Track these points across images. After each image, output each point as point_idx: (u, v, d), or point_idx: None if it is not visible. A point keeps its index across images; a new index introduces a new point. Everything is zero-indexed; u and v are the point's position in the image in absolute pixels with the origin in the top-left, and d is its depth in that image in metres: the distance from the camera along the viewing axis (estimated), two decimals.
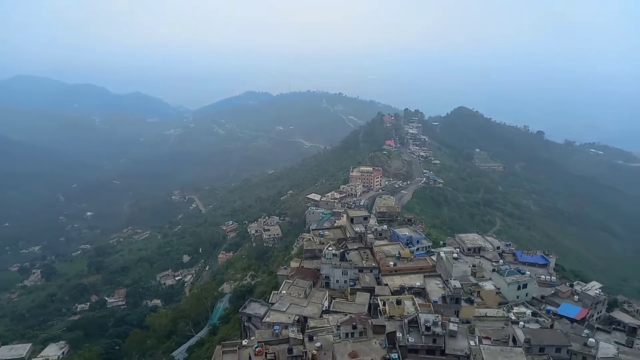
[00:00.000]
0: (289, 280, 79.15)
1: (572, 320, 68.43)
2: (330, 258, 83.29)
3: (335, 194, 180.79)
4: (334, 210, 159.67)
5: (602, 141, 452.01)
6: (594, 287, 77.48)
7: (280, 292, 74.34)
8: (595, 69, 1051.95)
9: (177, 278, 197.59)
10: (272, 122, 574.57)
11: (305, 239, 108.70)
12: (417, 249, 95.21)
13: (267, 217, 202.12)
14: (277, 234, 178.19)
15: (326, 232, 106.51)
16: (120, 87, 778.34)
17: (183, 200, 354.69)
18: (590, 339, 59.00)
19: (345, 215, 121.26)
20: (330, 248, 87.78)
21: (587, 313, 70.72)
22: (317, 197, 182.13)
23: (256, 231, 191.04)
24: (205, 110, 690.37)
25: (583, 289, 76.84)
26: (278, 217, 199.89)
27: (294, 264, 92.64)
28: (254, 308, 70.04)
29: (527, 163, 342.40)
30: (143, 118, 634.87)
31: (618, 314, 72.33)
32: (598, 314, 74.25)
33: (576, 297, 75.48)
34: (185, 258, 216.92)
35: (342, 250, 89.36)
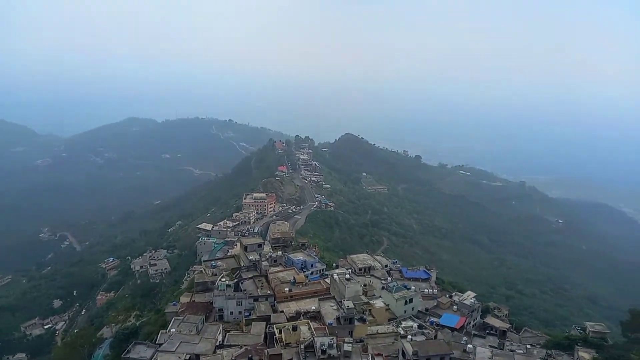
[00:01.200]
0: (178, 317, 74.46)
1: (452, 329, 74.30)
2: (223, 289, 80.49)
3: (227, 222, 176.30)
4: (226, 239, 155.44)
5: (469, 163, 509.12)
6: (469, 297, 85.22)
7: (169, 330, 69.46)
8: (457, 98, 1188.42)
9: (46, 327, 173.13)
10: (158, 150, 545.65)
11: (196, 272, 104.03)
12: (312, 273, 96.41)
13: (154, 251, 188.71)
14: (165, 269, 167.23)
15: (219, 263, 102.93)
16: None
17: (53, 237, 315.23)
18: (468, 345, 64.70)
19: (238, 244, 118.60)
20: (223, 279, 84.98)
21: (465, 321, 77.40)
22: (208, 226, 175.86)
23: (141, 267, 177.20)
24: (79, 138, 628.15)
25: (460, 299, 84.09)
26: (166, 251, 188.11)
27: (184, 299, 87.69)
28: (139, 351, 64.21)
29: (408, 185, 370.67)
30: (6, 147, 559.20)
31: (490, 320, 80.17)
32: (474, 321, 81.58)
33: (455, 307, 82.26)
34: (57, 303, 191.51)
35: (236, 280, 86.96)
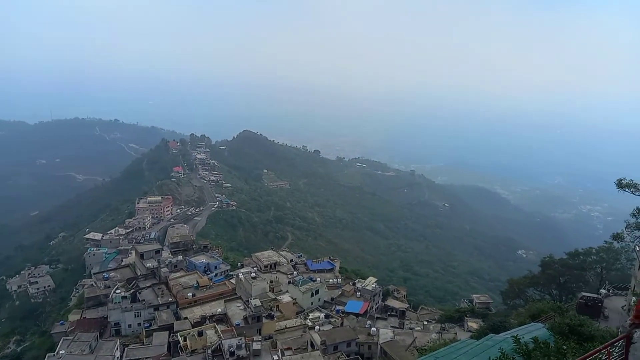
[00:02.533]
0: (68, 337, 67.47)
1: (357, 315, 77.36)
2: (119, 302, 74.67)
3: (120, 229, 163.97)
4: (119, 248, 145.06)
5: (365, 155, 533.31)
6: (371, 282, 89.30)
7: (58, 352, 62.59)
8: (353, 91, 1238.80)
9: None
10: (32, 155, 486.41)
11: (86, 286, 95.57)
12: (216, 275, 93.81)
13: (34, 268, 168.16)
14: (49, 286, 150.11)
15: (112, 274, 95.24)
16: None
17: None
18: (372, 329, 67.81)
19: (133, 252, 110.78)
20: (118, 290, 78.80)
21: (368, 306, 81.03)
22: (97, 235, 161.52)
23: (19, 287, 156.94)
24: None
25: (363, 285, 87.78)
26: (48, 266, 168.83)
27: (73, 316, 79.95)
28: None
29: (309, 179, 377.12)
30: None
31: (391, 302, 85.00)
32: (376, 305, 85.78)
33: (358, 293, 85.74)
34: None
35: (132, 290, 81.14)
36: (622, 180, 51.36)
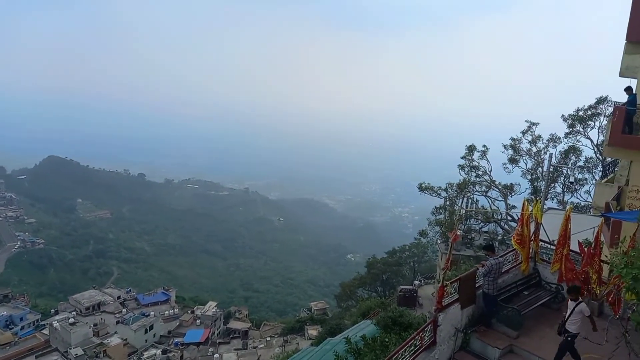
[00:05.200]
0: None
1: (198, 344, 73.77)
2: None
3: None
4: None
5: (195, 176, 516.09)
6: (210, 307, 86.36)
7: None
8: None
9: None
10: None
11: None
12: (22, 328, 78.88)
13: None
14: None
15: None
16: None
17: None
18: (215, 355, 65.43)
19: None
20: None
21: (210, 332, 78.02)
22: None
23: None
24: None
25: (202, 311, 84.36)
26: None
27: None
28: None
29: (134, 205, 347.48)
30: None
31: (233, 324, 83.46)
32: (218, 329, 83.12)
33: (198, 321, 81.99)
34: None
35: None
36: (422, 184, 60.52)
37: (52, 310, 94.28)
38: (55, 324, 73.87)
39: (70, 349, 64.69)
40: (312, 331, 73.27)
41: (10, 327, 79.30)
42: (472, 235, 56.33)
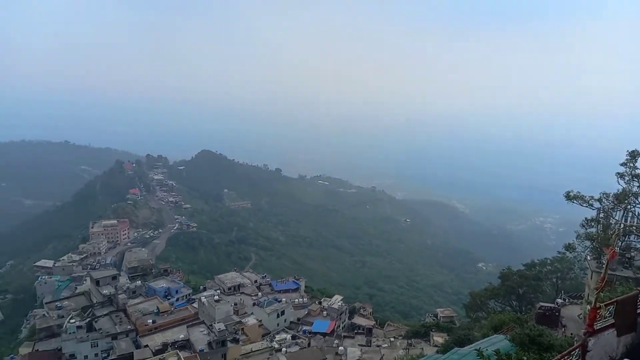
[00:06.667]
0: None
1: (324, 335, 76.73)
2: (73, 332, 70.73)
3: (73, 256, 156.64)
4: (73, 275, 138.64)
5: (325, 173, 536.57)
6: (337, 301, 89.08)
7: None
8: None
9: None
10: None
11: (38, 316, 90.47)
12: (177, 300, 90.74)
13: None
14: None
15: (65, 303, 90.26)
16: None
17: None
18: (340, 348, 67.38)
19: (88, 279, 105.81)
20: (72, 320, 74.58)
21: (335, 324, 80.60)
22: (49, 263, 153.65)
23: None
24: None
25: (329, 304, 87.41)
26: None
27: (24, 349, 74.92)
28: None
29: (271, 198, 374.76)
30: None
31: (358, 319, 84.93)
32: (343, 323, 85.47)
33: (325, 312, 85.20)
34: None
35: (88, 319, 77.16)
36: (570, 192, 54.17)
37: (201, 287, 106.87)
38: (203, 299, 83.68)
39: (214, 323, 72.73)
40: (438, 338, 71.02)
41: (168, 297, 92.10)
42: (632, 254, 48.91)
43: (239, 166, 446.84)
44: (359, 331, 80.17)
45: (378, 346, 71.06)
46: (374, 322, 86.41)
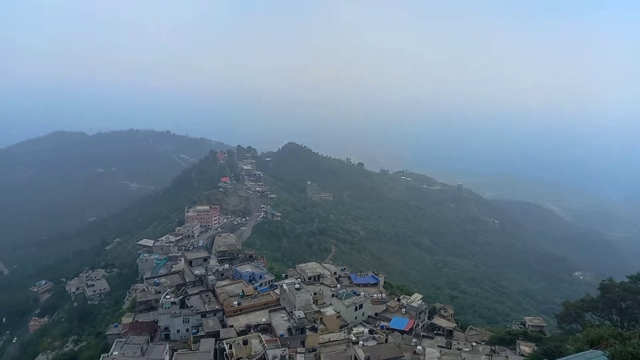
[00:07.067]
0: (121, 339, 70.19)
1: (402, 332, 75.63)
2: (168, 307, 76.93)
3: (170, 237, 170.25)
4: (169, 254, 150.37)
5: (408, 168, 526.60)
6: (416, 299, 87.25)
7: (112, 353, 65.28)
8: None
9: None
10: (90, 164, 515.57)
11: (138, 290, 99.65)
12: (261, 285, 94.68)
13: (91, 271, 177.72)
14: (104, 289, 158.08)
15: (162, 280, 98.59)
16: None
17: None
18: (418, 347, 66.10)
19: (182, 259, 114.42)
20: (168, 296, 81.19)
21: (414, 323, 79.06)
22: (149, 242, 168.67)
23: (77, 289, 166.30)
24: (1, 153, 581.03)
25: (408, 301, 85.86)
26: (104, 270, 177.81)
27: (126, 319, 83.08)
28: None
29: (352, 191, 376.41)
30: None
31: (437, 320, 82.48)
32: (422, 322, 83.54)
33: (403, 310, 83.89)
34: None
35: (181, 296, 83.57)
36: None
37: (283, 274, 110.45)
38: (285, 286, 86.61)
39: (294, 310, 75.06)
40: (525, 347, 66.86)
41: (252, 282, 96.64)
42: None
43: (322, 159, 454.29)
44: (439, 332, 77.92)
45: (459, 349, 68.55)
46: (455, 325, 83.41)
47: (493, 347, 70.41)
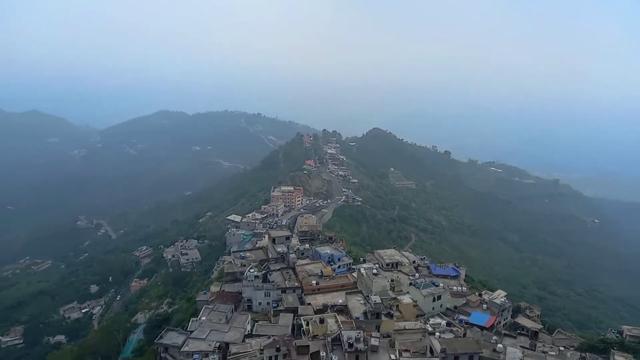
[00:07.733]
0: (209, 306, 76.11)
1: (482, 328, 73.08)
2: (252, 280, 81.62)
3: (256, 214, 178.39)
4: (255, 231, 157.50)
5: (499, 159, 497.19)
6: (499, 296, 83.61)
7: (200, 318, 71.15)
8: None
9: (84, 311, 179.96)
10: (188, 142, 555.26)
11: (225, 262, 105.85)
12: (339, 267, 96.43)
13: (185, 241, 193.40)
14: (196, 258, 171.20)
15: (247, 254, 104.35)
16: (14, 105, 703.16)
17: (90, 225, 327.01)
18: (498, 345, 63.53)
19: (267, 236, 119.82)
20: (252, 270, 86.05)
21: (495, 320, 75.95)
22: (237, 218, 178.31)
23: (173, 256, 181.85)
24: (114, 129, 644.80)
25: (490, 297, 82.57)
26: (196, 241, 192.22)
27: (214, 288, 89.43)
28: (171, 337, 65.97)
29: (436, 181, 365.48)
30: (42, 138, 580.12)
31: (522, 320, 78.46)
32: (504, 320, 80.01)
33: (485, 305, 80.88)
34: (94, 288, 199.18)
35: (264, 271, 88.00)
36: None
37: (361, 258, 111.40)
38: (362, 270, 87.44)
39: (371, 295, 75.75)
40: (621, 358, 61.57)
41: (330, 263, 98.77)
42: None
43: (407, 146, 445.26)
44: (522, 332, 74.12)
45: (544, 352, 64.76)
46: (541, 326, 78.81)
47: (583, 354, 65.63)
